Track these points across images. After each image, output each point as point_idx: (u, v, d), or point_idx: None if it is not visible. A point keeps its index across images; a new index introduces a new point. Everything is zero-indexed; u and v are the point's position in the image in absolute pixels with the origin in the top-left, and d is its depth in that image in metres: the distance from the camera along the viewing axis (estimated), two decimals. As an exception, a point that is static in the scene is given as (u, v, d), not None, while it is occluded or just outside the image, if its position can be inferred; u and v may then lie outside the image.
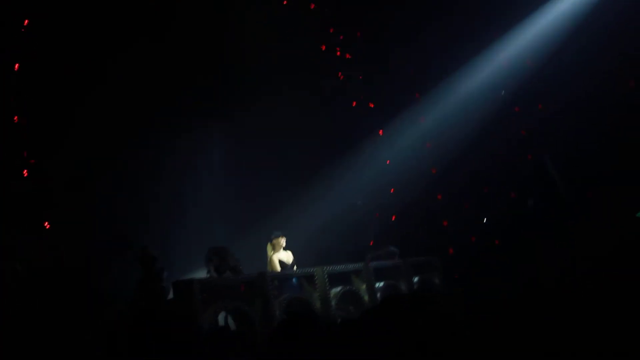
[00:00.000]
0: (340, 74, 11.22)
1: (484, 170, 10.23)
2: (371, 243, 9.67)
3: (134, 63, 8.64)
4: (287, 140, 10.13)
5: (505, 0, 9.91)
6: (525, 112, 10.45)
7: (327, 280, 7.28)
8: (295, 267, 7.83)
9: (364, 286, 7.78)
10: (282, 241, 7.79)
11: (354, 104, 11.17)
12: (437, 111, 10.87)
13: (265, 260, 7.87)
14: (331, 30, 11.27)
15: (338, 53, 11.34)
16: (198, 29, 9.36)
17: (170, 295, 6.40)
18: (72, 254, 6.94)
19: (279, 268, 7.66)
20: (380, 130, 11.17)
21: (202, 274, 7.17)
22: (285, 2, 10.50)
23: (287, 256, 7.90)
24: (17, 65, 7.84)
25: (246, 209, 9.89)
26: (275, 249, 7.80)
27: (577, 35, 9.64)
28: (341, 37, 11.37)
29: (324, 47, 11.31)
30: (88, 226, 7.94)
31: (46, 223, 7.46)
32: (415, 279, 8.27)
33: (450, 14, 10.08)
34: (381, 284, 7.91)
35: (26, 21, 8.03)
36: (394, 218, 10.49)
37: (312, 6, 10.82)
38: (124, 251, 7.35)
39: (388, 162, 10.83)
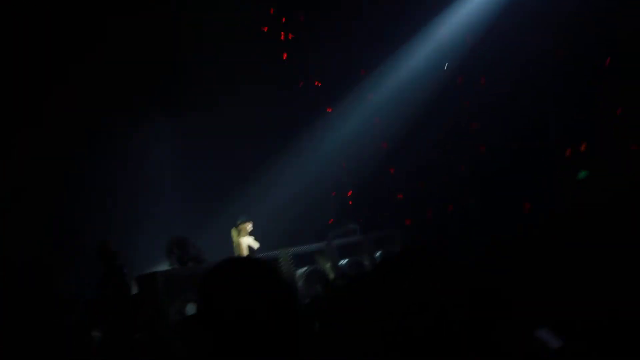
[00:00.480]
0: (285, 55, 11.12)
1: (435, 141, 10.47)
2: (331, 221, 9.73)
3: (87, 59, 8.31)
4: (238, 128, 9.99)
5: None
6: (468, 85, 10.78)
7: (291, 262, 7.30)
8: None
9: (328, 264, 7.85)
10: (249, 226, 7.73)
11: (301, 84, 11.15)
12: (384, 87, 11.02)
13: (230, 246, 7.77)
14: (271, 12, 11.13)
15: (282, 36, 11.24)
16: (149, 25, 9.04)
17: (135, 291, 6.23)
18: (29, 253, 6.61)
19: (246, 253, 7.59)
20: (329, 108, 11.20)
21: (164, 267, 7.01)
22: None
23: (253, 241, 7.84)
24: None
25: (202, 199, 9.73)
26: (240, 234, 7.71)
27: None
28: (283, 20, 11.26)
29: (266, 29, 11.17)
30: (43, 224, 7.57)
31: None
32: (378, 254, 8.41)
33: None
34: (345, 261, 8.00)
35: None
36: (350, 194, 10.60)
37: None
38: (80, 247, 7.06)
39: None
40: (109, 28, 8.61)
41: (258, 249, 7.89)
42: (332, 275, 7.67)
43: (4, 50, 7.61)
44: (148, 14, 9.10)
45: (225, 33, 9.83)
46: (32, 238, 7.35)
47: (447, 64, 10.69)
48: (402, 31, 10.85)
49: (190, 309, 6.45)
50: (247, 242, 7.73)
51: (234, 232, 7.76)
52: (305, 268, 7.47)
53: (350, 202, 10.71)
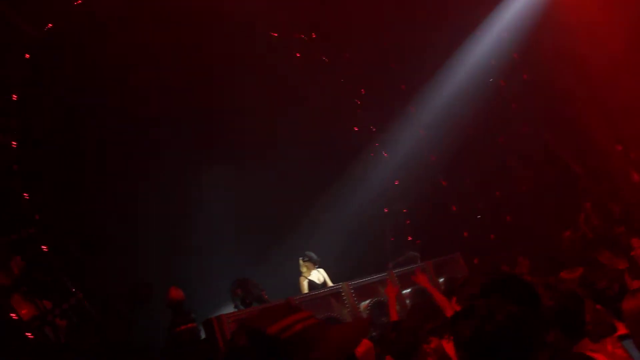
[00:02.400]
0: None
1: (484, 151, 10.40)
2: (392, 239, 9.68)
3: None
4: (288, 163, 10.09)
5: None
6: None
7: (354, 294, 7.23)
8: (329, 284, 7.77)
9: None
10: (310, 265, 7.75)
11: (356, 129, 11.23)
12: (427, 102, 11.00)
13: (291, 283, 7.82)
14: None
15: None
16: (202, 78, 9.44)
17: (203, 336, 6.32)
18: (95, 308, 6.88)
19: (306, 289, 7.61)
20: (374, 128, 11.24)
21: (229, 309, 7.09)
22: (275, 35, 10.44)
23: (317, 276, 7.85)
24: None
25: (259, 239, 9.82)
26: (303, 272, 7.77)
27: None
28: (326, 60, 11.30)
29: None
30: (118, 275, 7.89)
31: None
32: (441, 280, 8.20)
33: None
34: (409, 290, 7.85)
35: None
36: (405, 211, 10.50)
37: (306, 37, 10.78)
38: (146, 299, 7.27)
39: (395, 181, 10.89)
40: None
41: (324, 281, 7.87)
42: (397, 306, 7.52)
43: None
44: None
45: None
46: (110, 288, 7.68)
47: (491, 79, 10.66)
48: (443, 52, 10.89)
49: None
50: (310, 277, 7.74)
51: (301, 265, 7.80)
52: (368, 300, 7.38)
53: (408, 221, 10.60)
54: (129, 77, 8.59)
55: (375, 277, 7.77)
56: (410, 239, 10.01)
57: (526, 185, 10.42)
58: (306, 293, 7.50)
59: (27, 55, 7.60)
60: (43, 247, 6.97)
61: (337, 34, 10.55)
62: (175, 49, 9.14)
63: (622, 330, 3.22)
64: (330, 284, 7.77)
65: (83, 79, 8.31)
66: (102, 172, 8.58)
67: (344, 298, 7.22)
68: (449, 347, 3.93)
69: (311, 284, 7.69)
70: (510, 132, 10.80)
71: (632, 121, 9.49)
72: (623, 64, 9.36)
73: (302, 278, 7.70)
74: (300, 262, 7.78)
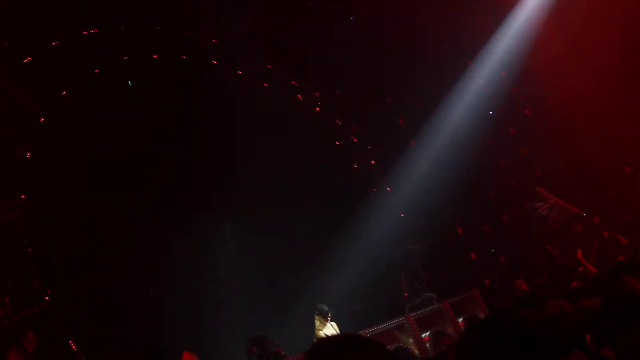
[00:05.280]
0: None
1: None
2: (406, 295, 9.44)
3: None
4: (296, 216, 10.03)
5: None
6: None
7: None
8: None
9: (410, 340, 7.52)
10: (326, 319, 7.59)
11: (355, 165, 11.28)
12: (429, 144, 11.01)
13: (307, 335, 7.64)
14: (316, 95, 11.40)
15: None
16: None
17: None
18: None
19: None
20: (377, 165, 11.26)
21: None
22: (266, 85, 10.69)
23: (331, 330, 7.68)
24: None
25: (270, 293, 9.67)
26: (319, 325, 7.61)
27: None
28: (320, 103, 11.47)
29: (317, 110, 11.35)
30: (122, 346, 7.79)
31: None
32: (460, 319, 8.01)
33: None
34: (427, 333, 7.66)
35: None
36: (418, 251, 10.35)
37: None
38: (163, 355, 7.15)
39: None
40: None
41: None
42: (416, 351, 7.33)
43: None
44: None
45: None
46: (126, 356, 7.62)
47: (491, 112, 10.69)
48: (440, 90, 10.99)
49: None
50: (324, 332, 7.58)
51: (316, 320, 7.64)
52: (387, 347, 7.18)
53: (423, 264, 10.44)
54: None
55: (393, 322, 7.61)
56: (424, 281, 9.80)
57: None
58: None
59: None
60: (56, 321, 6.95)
61: (327, 77, 10.73)
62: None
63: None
64: None
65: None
66: (110, 239, 8.61)
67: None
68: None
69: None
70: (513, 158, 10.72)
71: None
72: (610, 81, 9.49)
73: (316, 331, 7.54)
74: (316, 316, 7.63)
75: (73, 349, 7.11)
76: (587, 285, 4.79)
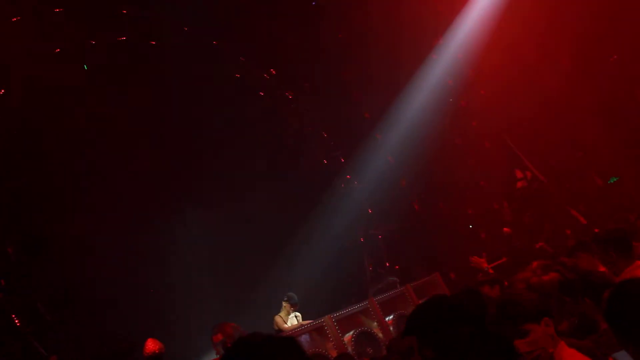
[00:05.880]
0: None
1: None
2: (370, 267, 9.62)
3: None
4: (260, 206, 10.03)
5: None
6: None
7: (337, 327, 7.13)
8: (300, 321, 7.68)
9: (374, 323, 7.63)
10: (288, 306, 7.66)
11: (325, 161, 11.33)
12: (391, 129, 11.17)
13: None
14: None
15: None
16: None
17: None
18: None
19: (284, 326, 7.50)
20: (342, 159, 11.34)
21: (212, 355, 6.93)
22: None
23: (294, 320, 7.76)
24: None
25: (234, 282, 9.67)
26: (282, 312, 7.67)
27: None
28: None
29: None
30: (84, 338, 7.64)
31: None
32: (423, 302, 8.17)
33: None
34: (391, 316, 7.78)
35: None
36: (380, 237, 10.50)
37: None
38: (128, 356, 7.06)
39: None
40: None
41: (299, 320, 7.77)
42: (380, 335, 7.45)
43: None
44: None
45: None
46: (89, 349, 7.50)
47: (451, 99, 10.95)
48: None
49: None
50: (288, 320, 7.64)
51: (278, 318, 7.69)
52: (352, 331, 7.28)
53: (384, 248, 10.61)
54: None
55: (357, 306, 7.69)
56: (388, 265, 9.98)
57: (498, 201, 10.57)
58: (287, 327, 7.39)
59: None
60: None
61: (296, 70, 10.68)
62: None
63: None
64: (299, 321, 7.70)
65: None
66: (70, 224, 8.41)
67: (327, 332, 7.11)
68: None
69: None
70: (476, 148, 11.01)
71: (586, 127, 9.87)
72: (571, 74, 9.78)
73: (276, 317, 7.61)
74: (283, 303, 7.68)
75: (32, 342, 6.92)
76: (546, 263, 4.97)
